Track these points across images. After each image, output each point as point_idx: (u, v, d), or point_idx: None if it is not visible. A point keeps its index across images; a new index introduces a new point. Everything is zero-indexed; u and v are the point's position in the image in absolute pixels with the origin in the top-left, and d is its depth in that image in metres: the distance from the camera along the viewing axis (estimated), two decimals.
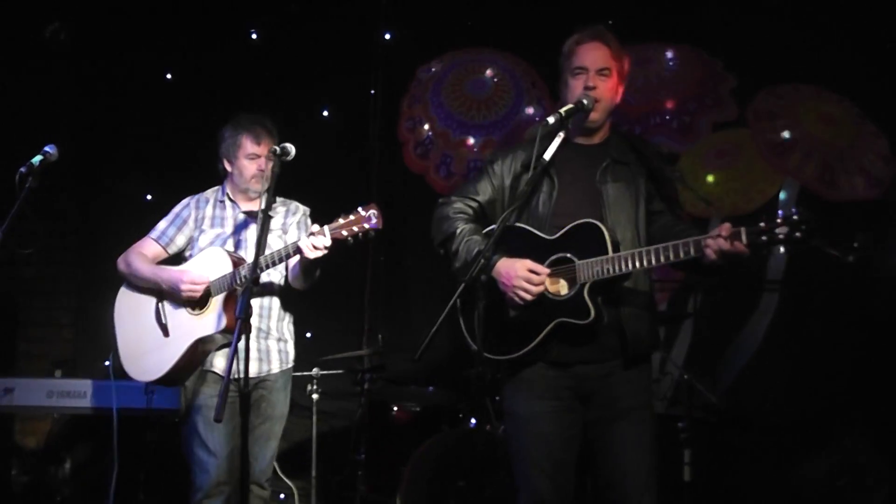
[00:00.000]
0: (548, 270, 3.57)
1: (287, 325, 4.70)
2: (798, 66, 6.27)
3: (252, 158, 4.57)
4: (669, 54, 6.69)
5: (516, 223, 3.72)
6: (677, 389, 5.98)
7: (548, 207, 3.71)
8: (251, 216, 4.63)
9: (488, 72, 7.14)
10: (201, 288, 4.38)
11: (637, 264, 3.46)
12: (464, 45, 7.20)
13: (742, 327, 6.28)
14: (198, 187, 4.85)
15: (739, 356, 6.26)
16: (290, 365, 4.69)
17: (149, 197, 7.06)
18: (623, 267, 3.47)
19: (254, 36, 7.24)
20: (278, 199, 4.67)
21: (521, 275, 3.55)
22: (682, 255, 3.40)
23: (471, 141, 7.05)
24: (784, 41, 6.23)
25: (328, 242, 4.01)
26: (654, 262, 3.44)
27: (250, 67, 7.09)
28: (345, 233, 3.97)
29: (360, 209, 3.97)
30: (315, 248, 4.02)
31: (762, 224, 3.25)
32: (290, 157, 3.98)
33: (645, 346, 3.71)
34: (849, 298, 5.95)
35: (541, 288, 3.55)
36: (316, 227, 4.06)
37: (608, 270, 3.49)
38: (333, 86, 7.09)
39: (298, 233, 4.61)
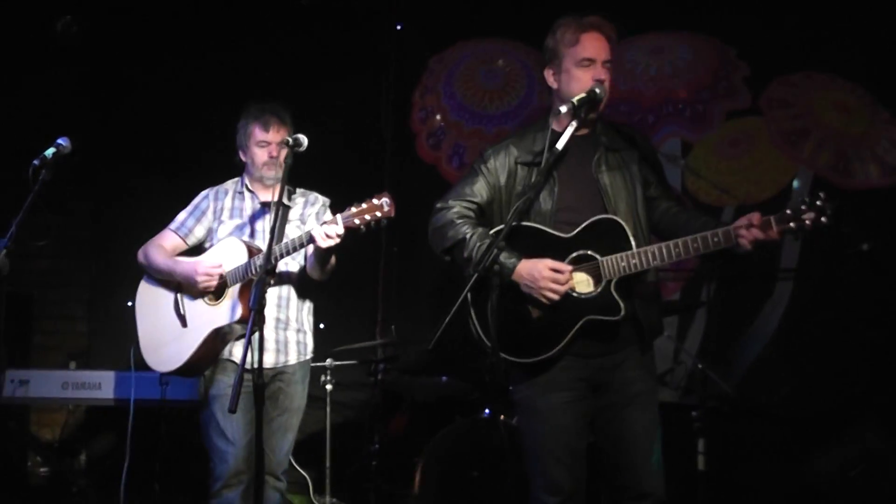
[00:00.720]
0: (570, 268, 3.55)
1: (307, 316, 4.68)
2: (811, 54, 6.24)
3: (262, 146, 4.57)
4: (682, 43, 6.66)
5: (524, 223, 3.67)
6: (691, 378, 5.99)
7: (549, 203, 3.68)
8: (269, 207, 4.62)
9: (500, 62, 7.12)
10: (216, 276, 4.40)
11: (667, 257, 3.47)
12: (476, 36, 7.19)
13: (755, 316, 6.27)
14: (209, 180, 4.86)
15: (753, 345, 6.24)
16: (309, 356, 4.66)
17: (160, 190, 7.08)
18: (652, 260, 3.48)
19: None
20: (298, 191, 4.71)
21: (546, 275, 3.51)
22: (711, 245, 3.40)
23: (483, 131, 7.04)
24: (797, 29, 6.20)
25: (340, 231, 4.00)
26: (682, 254, 3.45)
27: (262, 59, 7.08)
28: (357, 221, 3.97)
29: (373, 198, 3.97)
30: (328, 236, 4.02)
31: (789, 212, 3.28)
32: (302, 148, 4.01)
33: (657, 333, 3.77)
34: (863, 287, 5.92)
35: (567, 286, 3.53)
36: (329, 216, 4.07)
37: (636, 265, 3.48)
38: (345, 77, 7.09)
39: (316, 223, 4.55)
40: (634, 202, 3.70)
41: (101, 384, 6.19)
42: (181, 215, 4.74)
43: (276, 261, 4.24)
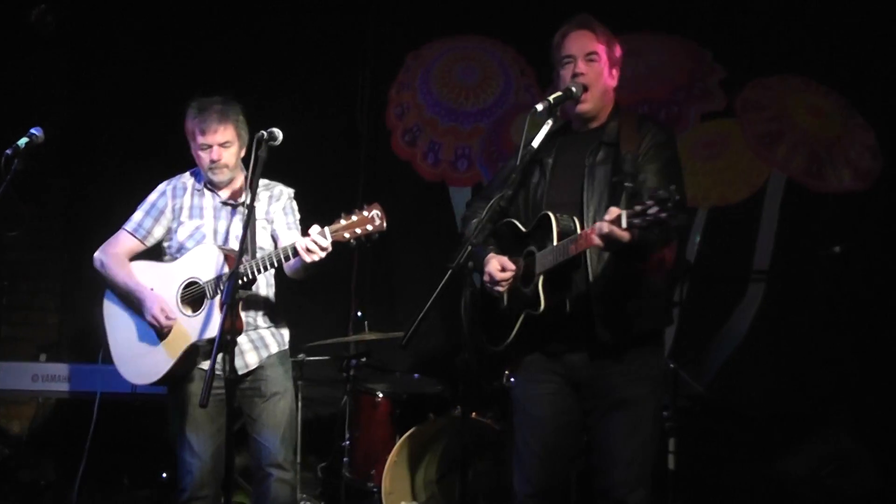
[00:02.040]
0: (512, 267, 3.63)
1: (277, 312, 4.51)
2: (787, 57, 6.27)
3: (203, 149, 4.34)
4: (658, 44, 6.67)
5: (508, 219, 3.78)
6: (663, 378, 6.00)
7: (539, 196, 3.74)
8: (232, 206, 4.43)
9: (477, 59, 7.12)
10: (171, 324, 4.20)
11: (553, 259, 3.46)
12: (453, 33, 7.18)
13: (728, 317, 6.30)
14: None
15: (725, 346, 6.27)
16: (286, 347, 4.53)
17: (136, 183, 7.03)
18: (561, 255, 3.44)
19: None
20: (261, 183, 4.39)
21: (489, 269, 3.65)
22: (570, 252, 3.39)
23: (459, 128, 7.04)
24: (773, 32, 6.24)
25: (327, 245, 3.86)
26: (559, 256, 3.43)
27: (238, 53, 7.06)
28: (347, 235, 3.84)
29: (363, 210, 3.85)
30: (310, 251, 3.86)
31: (638, 207, 3.11)
32: (277, 142, 3.88)
33: (623, 329, 3.57)
34: (834, 290, 5.97)
35: (505, 283, 3.62)
36: (316, 228, 3.87)
37: (550, 261, 3.50)
38: (321, 72, 7.07)
39: (285, 218, 4.45)
40: (609, 196, 3.58)
41: (72, 377, 6.15)
42: (137, 215, 4.50)
43: (257, 274, 4.03)
